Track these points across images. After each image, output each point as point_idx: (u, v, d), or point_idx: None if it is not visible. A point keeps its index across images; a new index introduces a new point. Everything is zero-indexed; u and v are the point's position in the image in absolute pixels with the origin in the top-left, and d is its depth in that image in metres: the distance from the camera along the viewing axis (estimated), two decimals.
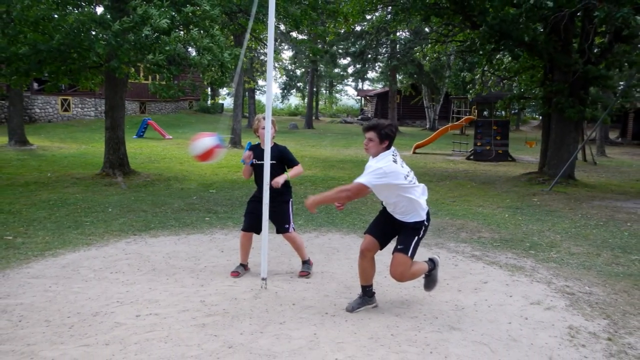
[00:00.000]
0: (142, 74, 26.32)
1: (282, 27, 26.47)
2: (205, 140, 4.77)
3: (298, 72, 54.53)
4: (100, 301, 4.67)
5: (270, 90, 4.99)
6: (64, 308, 4.48)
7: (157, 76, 13.03)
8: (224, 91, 50.15)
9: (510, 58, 16.23)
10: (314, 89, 46.98)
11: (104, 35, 10.31)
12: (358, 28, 17.55)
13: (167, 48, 10.43)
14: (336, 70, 54.06)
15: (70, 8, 11.13)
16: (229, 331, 4.07)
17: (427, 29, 19.97)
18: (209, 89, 44.01)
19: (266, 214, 5.01)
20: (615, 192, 12.95)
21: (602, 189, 13.44)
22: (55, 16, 10.51)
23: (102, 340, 3.86)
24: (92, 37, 10.25)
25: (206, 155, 4.78)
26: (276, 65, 46.18)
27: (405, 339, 4.05)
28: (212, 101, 48.57)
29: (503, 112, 22.03)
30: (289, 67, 51.95)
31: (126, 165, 13.13)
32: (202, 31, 11.60)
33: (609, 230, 8.40)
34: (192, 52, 11.49)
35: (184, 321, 4.23)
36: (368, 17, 20.40)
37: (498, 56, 16.38)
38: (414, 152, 22.81)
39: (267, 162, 4.93)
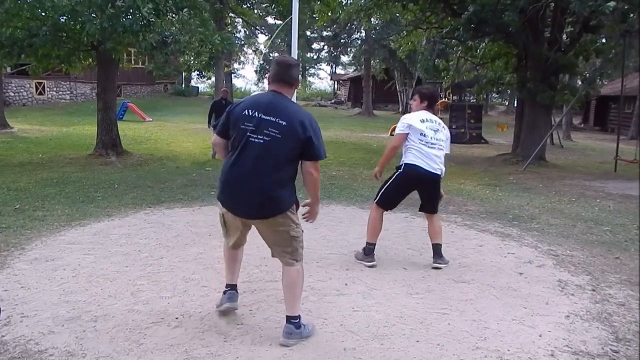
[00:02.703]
0: (132, 59, 26.37)
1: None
2: None
3: (272, 55, 54.69)
4: (147, 260, 5.19)
5: None
6: (109, 267, 4.94)
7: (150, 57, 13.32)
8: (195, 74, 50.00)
9: (485, 45, 16.91)
10: None
11: (97, 19, 10.56)
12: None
13: (159, 30, 10.76)
14: (309, 54, 54.45)
15: None
16: (270, 284, 4.61)
17: (402, 20, 20.26)
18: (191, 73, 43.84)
19: None
20: (583, 173, 13.78)
21: (571, 170, 14.26)
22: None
23: (161, 290, 4.35)
24: (84, 19, 10.46)
25: None
26: (252, 49, 46.41)
27: (417, 289, 4.63)
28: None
29: (474, 98, 22.78)
30: (264, 50, 52.06)
31: (119, 146, 13.40)
32: (191, 12, 11.88)
33: (580, 205, 9.11)
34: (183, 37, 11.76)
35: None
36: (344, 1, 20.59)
37: (471, 43, 16.96)
38: (391, 134, 23.40)
39: None
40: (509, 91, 29.82)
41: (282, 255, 3.67)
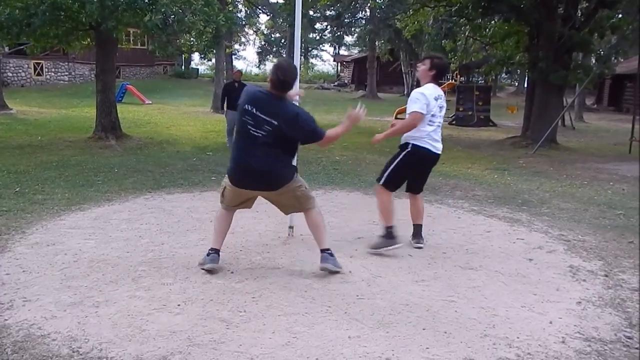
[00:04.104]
0: (131, 39, 26.32)
1: None
2: None
3: (273, 36, 54.62)
4: (148, 246, 5.22)
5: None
6: (110, 253, 4.96)
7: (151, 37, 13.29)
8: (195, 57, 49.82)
9: (495, 24, 16.77)
10: (292, 54, 47.02)
11: None
12: None
13: (163, 10, 10.73)
14: (311, 35, 54.13)
15: None
16: (273, 271, 4.64)
17: None
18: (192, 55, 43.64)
19: None
20: (596, 155, 13.73)
21: (583, 152, 14.21)
22: None
23: (163, 276, 4.38)
24: None
25: None
26: (253, 29, 46.29)
27: (422, 276, 4.63)
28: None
29: (482, 79, 22.64)
30: (266, 31, 51.93)
31: (118, 129, 13.40)
32: None
33: (593, 189, 9.09)
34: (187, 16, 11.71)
35: (236, 262, 4.77)
36: None
37: (480, 22, 16.81)
38: (396, 117, 23.29)
39: None
40: (519, 71, 29.62)
41: (296, 210, 4.71)
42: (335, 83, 51.45)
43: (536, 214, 7.09)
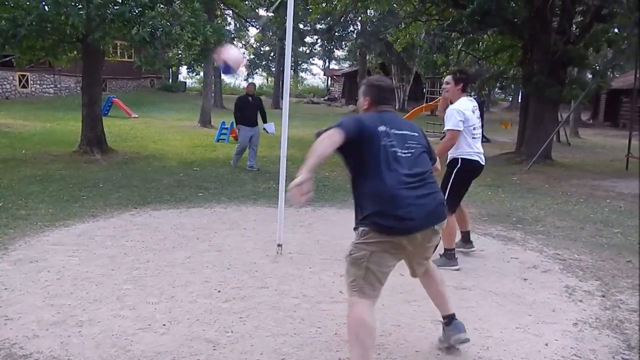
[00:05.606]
0: (118, 52, 26.40)
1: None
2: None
3: (262, 50, 54.81)
4: (133, 263, 5.18)
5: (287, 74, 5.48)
6: (94, 270, 4.93)
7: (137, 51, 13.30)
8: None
9: (488, 37, 16.92)
10: (281, 68, 47.14)
11: (84, 9, 10.59)
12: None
13: (151, 22, 10.77)
14: (301, 48, 54.33)
15: None
16: (261, 290, 4.60)
17: (401, 12, 20.13)
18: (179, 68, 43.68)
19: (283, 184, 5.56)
20: (592, 172, 13.79)
21: (579, 169, 14.28)
22: None
23: (148, 295, 4.34)
24: (68, 10, 10.47)
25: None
26: (242, 42, 46.48)
27: (414, 296, 4.61)
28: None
29: (475, 94, 22.73)
30: (255, 44, 52.17)
31: (104, 143, 13.35)
32: (182, 5, 11.92)
33: (589, 207, 9.11)
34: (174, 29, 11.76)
35: (223, 281, 4.77)
36: None
37: (473, 36, 16.95)
38: None
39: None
40: (512, 86, 29.85)
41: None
42: (326, 97, 51.61)
43: (531, 232, 7.10)
